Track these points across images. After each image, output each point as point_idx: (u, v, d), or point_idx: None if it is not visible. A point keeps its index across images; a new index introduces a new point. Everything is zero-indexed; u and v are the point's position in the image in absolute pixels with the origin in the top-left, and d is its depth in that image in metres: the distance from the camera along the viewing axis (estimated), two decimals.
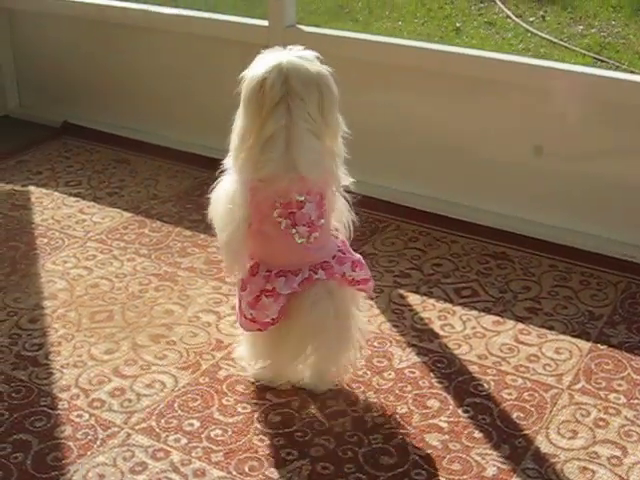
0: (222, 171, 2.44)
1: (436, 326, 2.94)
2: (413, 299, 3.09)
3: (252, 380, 2.65)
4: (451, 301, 3.07)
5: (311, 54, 2.34)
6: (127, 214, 3.65)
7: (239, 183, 2.35)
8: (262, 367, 2.61)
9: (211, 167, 3.09)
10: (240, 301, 2.46)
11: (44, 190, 3.90)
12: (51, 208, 3.74)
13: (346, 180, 2.48)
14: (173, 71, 4.19)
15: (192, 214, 3.65)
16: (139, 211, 3.68)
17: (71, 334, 2.90)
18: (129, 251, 3.40)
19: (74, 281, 3.21)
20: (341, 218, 2.55)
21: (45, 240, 3.49)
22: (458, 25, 8.15)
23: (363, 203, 3.64)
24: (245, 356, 2.64)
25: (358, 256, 2.53)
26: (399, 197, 3.74)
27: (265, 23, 3.84)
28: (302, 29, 3.82)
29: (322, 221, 2.40)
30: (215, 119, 3.56)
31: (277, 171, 2.29)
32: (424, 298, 3.09)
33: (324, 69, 2.32)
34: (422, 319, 2.98)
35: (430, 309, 3.03)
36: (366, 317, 2.76)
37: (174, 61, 4.17)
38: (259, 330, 2.45)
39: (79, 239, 3.50)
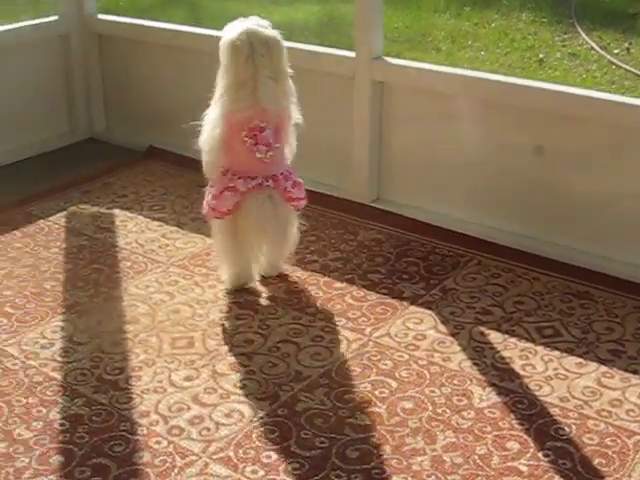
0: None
1: (517, 366, 2.90)
2: (494, 337, 3.05)
3: (227, 288, 3.35)
4: (533, 340, 3.03)
5: (265, 22, 3.20)
6: (209, 240, 3.67)
7: (220, 112, 3.20)
8: (231, 272, 3.34)
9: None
10: (207, 196, 3.29)
11: (128, 213, 3.95)
12: (135, 232, 3.79)
13: (297, 116, 3.30)
14: None
15: None
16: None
17: (152, 359, 2.93)
18: (211, 278, 3.42)
19: (156, 306, 3.24)
20: (292, 148, 3.35)
21: (128, 264, 3.54)
22: (541, 56, 8.09)
23: (444, 236, 3.69)
24: (220, 264, 3.41)
25: (300, 180, 3.30)
26: (481, 231, 3.71)
27: (352, 54, 3.85)
28: (388, 61, 3.83)
29: (277, 145, 3.22)
30: (304, 150, 3.59)
31: (246, 104, 3.14)
32: (505, 336, 3.06)
33: (275, 33, 3.17)
34: (503, 358, 2.94)
35: (511, 348, 2.99)
36: (297, 227, 3.36)
37: None
38: (217, 217, 3.24)
39: (162, 264, 3.53)
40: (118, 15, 4.93)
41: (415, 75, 3.78)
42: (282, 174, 3.25)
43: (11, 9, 9.63)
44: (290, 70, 3.22)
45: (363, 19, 3.77)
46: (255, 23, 3.17)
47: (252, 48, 3.11)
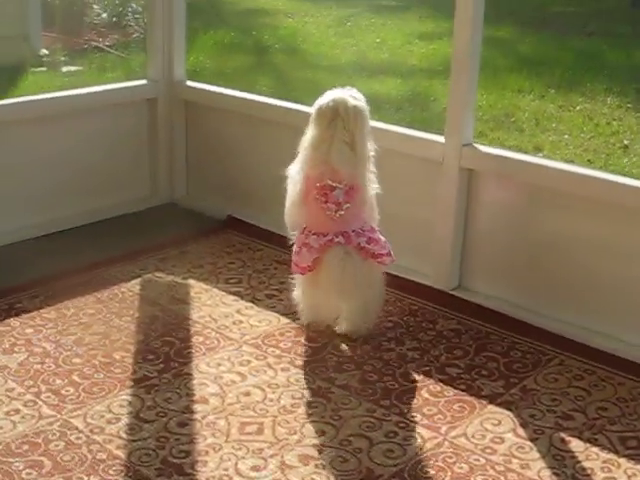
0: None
1: (599, 478, 2.76)
2: (575, 445, 2.91)
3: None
4: (616, 452, 2.88)
5: (358, 93, 3.46)
6: (284, 320, 3.60)
7: (300, 168, 3.47)
8: (306, 310, 3.52)
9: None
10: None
11: (204, 285, 3.89)
12: (209, 305, 3.72)
13: (375, 185, 3.50)
14: None
15: None
16: (297, 317, 3.62)
17: (219, 444, 2.84)
18: (284, 360, 3.34)
19: (226, 387, 3.15)
20: (372, 212, 3.52)
21: (201, 339, 3.46)
22: (626, 142, 7.96)
23: (526, 331, 3.56)
24: (296, 298, 3.55)
25: (379, 236, 3.47)
26: (565, 329, 3.57)
27: (441, 139, 3.78)
28: (478, 148, 3.74)
29: (347, 205, 3.40)
30: (387, 231, 3.51)
31: (320, 163, 3.39)
32: (587, 445, 2.91)
33: (361, 104, 3.43)
34: (584, 469, 2.80)
35: (593, 458, 2.84)
36: (383, 284, 3.54)
37: None
38: (301, 273, 3.45)
39: (235, 341, 3.46)
40: (204, 80, 4.95)
41: (504, 164, 3.69)
42: (354, 231, 3.42)
43: (102, 66, 9.83)
44: (372, 144, 3.46)
45: (456, 106, 3.69)
46: (349, 93, 3.45)
47: (335, 114, 3.38)
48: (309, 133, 3.46)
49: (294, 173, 3.50)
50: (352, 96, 3.44)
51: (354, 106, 3.40)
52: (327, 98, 3.44)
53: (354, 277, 3.39)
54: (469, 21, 3.59)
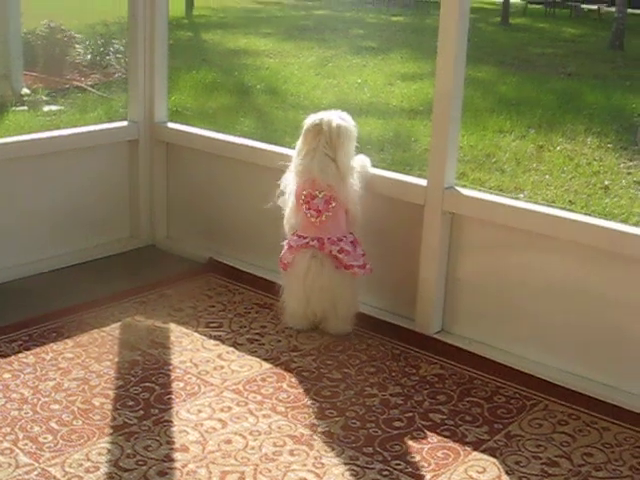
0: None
1: None
2: None
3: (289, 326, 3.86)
4: None
5: (345, 114, 3.82)
6: (266, 365, 3.55)
7: (292, 177, 3.84)
8: (288, 314, 3.85)
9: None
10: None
11: (184, 329, 3.85)
12: (190, 350, 3.67)
13: (358, 193, 3.79)
14: None
15: (332, 372, 3.53)
16: (278, 363, 3.58)
17: None
18: (265, 406, 3.28)
19: (207, 434, 3.10)
20: (355, 223, 3.83)
21: (181, 384, 3.41)
22: (607, 183, 7.99)
23: (510, 376, 3.53)
24: (284, 302, 3.88)
25: (355, 249, 3.74)
26: (549, 373, 3.54)
27: (424, 183, 3.77)
28: (460, 192, 3.72)
29: (328, 214, 3.73)
30: (374, 277, 3.48)
31: (305, 172, 3.76)
32: None
33: (345, 123, 3.77)
34: None
35: None
36: (356, 291, 3.82)
37: None
38: (283, 268, 3.82)
39: (216, 387, 3.40)
40: (185, 120, 4.93)
41: (486, 208, 3.67)
42: (329, 239, 3.73)
43: (84, 105, 9.82)
44: (360, 161, 3.84)
45: (438, 150, 3.68)
46: (337, 114, 3.81)
47: (320, 129, 3.73)
48: (298, 147, 3.82)
49: (288, 180, 3.85)
50: (339, 117, 3.79)
51: (338, 125, 3.75)
52: (316, 116, 3.81)
53: (319, 280, 3.73)
54: (451, 67, 3.58)
